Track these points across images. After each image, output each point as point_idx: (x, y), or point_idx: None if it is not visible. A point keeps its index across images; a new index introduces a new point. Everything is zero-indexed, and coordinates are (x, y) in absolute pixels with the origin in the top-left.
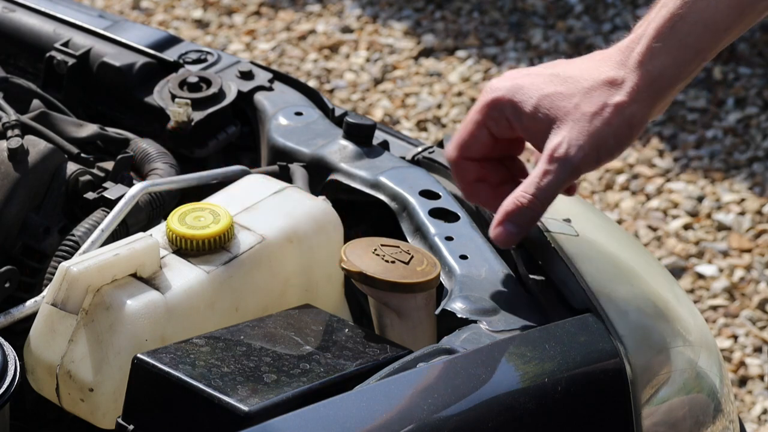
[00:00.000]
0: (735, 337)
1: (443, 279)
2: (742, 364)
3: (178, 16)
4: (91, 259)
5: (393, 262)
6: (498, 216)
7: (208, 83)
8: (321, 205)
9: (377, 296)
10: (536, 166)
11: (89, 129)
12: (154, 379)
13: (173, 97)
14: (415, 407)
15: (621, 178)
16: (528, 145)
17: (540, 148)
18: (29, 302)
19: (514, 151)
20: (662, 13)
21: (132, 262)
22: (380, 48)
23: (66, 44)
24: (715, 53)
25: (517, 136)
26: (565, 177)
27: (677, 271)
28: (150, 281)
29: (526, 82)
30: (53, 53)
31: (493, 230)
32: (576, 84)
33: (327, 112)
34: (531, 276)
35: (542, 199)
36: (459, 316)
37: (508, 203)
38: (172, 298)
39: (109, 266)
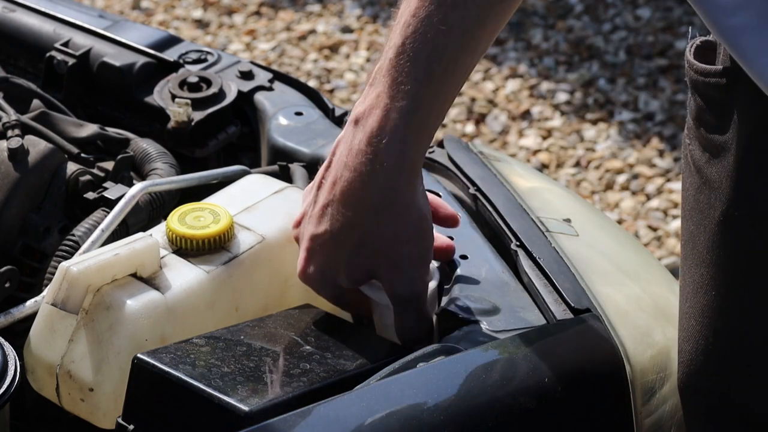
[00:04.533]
0: None
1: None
2: None
3: (178, 16)
4: (91, 258)
5: None
6: None
7: (208, 83)
8: None
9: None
10: None
11: (89, 129)
12: (154, 379)
13: (173, 97)
14: (415, 407)
15: (621, 178)
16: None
17: None
18: (29, 302)
19: None
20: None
21: (132, 262)
22: (380, 48)
23: (66, 44)
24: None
25: None
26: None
27: (677, 271)
28: (150, 281)
29: None
30: (53, 53)
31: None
32: None
33: (327, 112)
34: (531, 276)
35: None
36: (459, 316)
37: None
38: (172, 297)
39: (109, 266)
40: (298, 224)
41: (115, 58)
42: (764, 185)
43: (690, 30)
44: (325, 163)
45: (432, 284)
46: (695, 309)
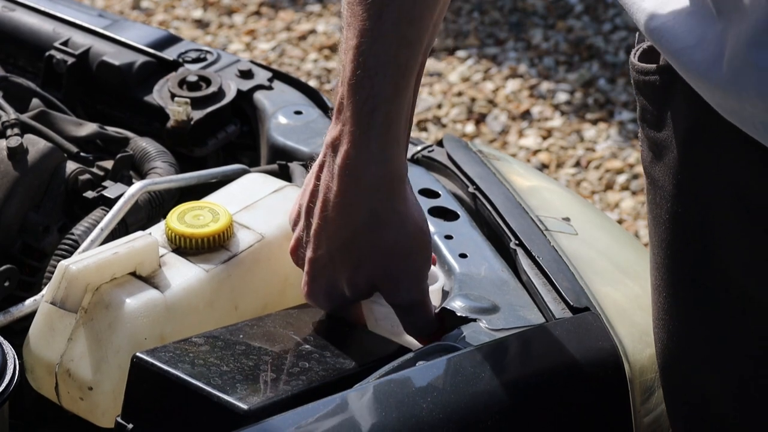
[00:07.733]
0: None
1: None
2: None
3: (178, 16)
4: (91, 257)
5: None
6: None
7: (208, 82)
8: None
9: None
10: None
11: (89, 128)
12: (154, 377)
13: (173, 96)
14: (414, 406)
15: (621, 178)
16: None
17: None
18: (29, 301)
19: None
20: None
21: (131, 261)
22: None
23: (65, 43)
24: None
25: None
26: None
27: None
28: (149, 280)
29: None
30: (53, 52)
31: None
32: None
33: (326, 111)
34: (530, 275)
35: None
36: (458, 314)
37: None
38: (172, 296)
39: (108, 265)
40: (294, 250)
41: (115, 57)
42: (702, 182)
43: (638, 36)
44: (310, 188)
45: (438, 284)
46: (654, 311)
